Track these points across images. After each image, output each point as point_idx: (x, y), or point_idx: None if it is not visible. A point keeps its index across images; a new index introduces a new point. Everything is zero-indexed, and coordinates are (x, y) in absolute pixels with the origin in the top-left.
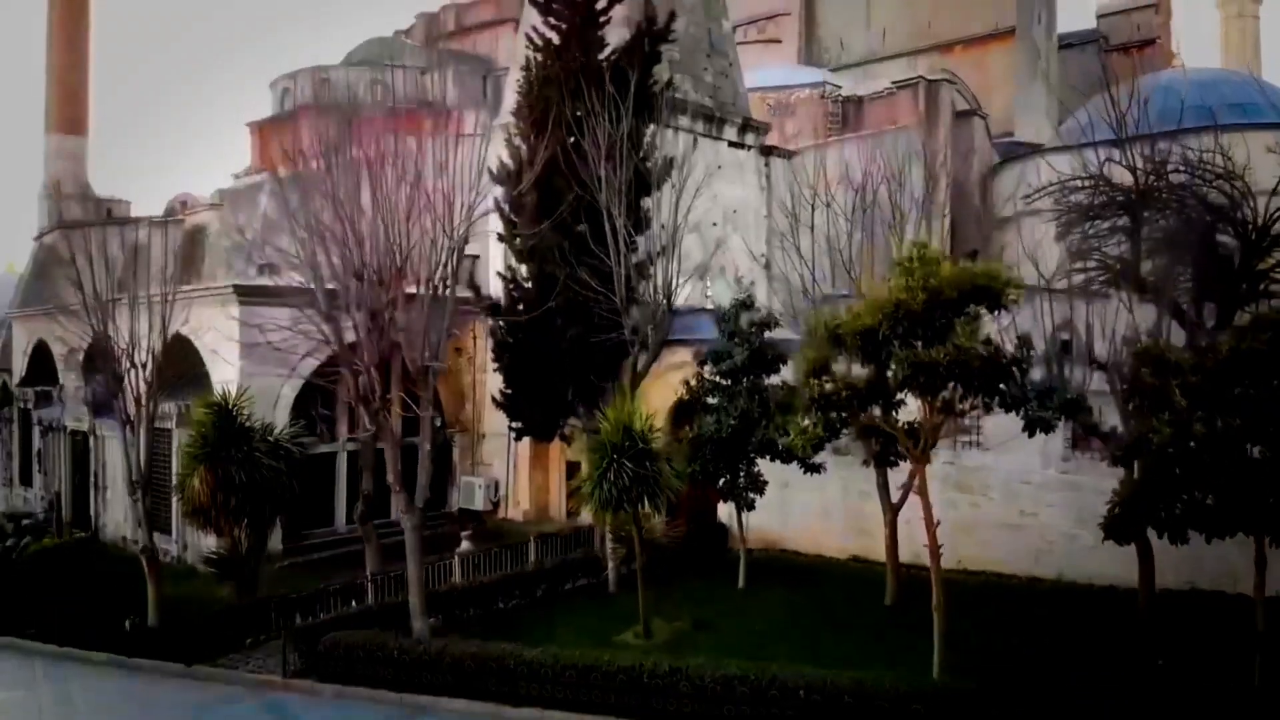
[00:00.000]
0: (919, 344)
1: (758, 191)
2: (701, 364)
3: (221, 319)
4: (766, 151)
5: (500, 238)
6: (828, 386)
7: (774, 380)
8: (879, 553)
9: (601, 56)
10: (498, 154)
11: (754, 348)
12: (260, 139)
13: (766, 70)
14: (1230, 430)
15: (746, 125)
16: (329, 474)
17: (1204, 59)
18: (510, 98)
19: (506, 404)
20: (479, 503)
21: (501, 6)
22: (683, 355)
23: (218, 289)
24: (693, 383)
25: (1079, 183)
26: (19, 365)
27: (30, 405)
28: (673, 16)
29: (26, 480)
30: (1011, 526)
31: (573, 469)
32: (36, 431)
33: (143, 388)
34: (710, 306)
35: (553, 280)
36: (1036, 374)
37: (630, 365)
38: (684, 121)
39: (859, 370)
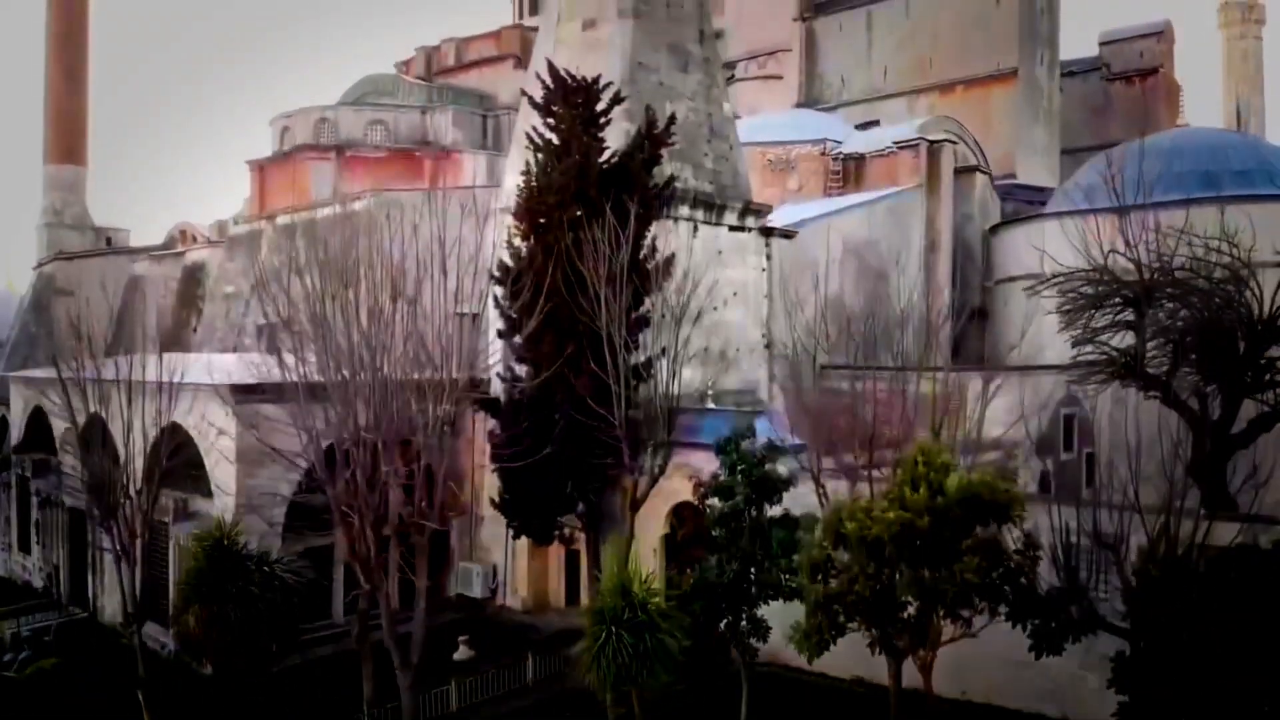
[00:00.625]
0: (925, 570)
1: (759, 272)
2: (702, 498)
3: (218, 413)
4: (767, 232)
5: (500, 334)
6: (833, 585)
7: (776, 510)
8: (882, 676)
9: (602, 159)
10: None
11: (755, 480)
12: (260, 176)
13: (768, 119)
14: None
15: (747, 209)
16: (326, 564)
17: (1205, 81)
18: (510, 180)
19: (504, 507)
20: (477, 590)
21: (502, 42)
22: (684, 455)
23: (214, 385)
24: (695, 499)
25: (1082, 275)
26: (17, 428)
27: (28, 474)
28: (672, 120)
29: (25, 546)
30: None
31: (572, 556)
32: (35, 501)
33: (138, 521)
34: (712, 405)
35: (552, 387)
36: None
37: (629, 492)
38: (684, 211)
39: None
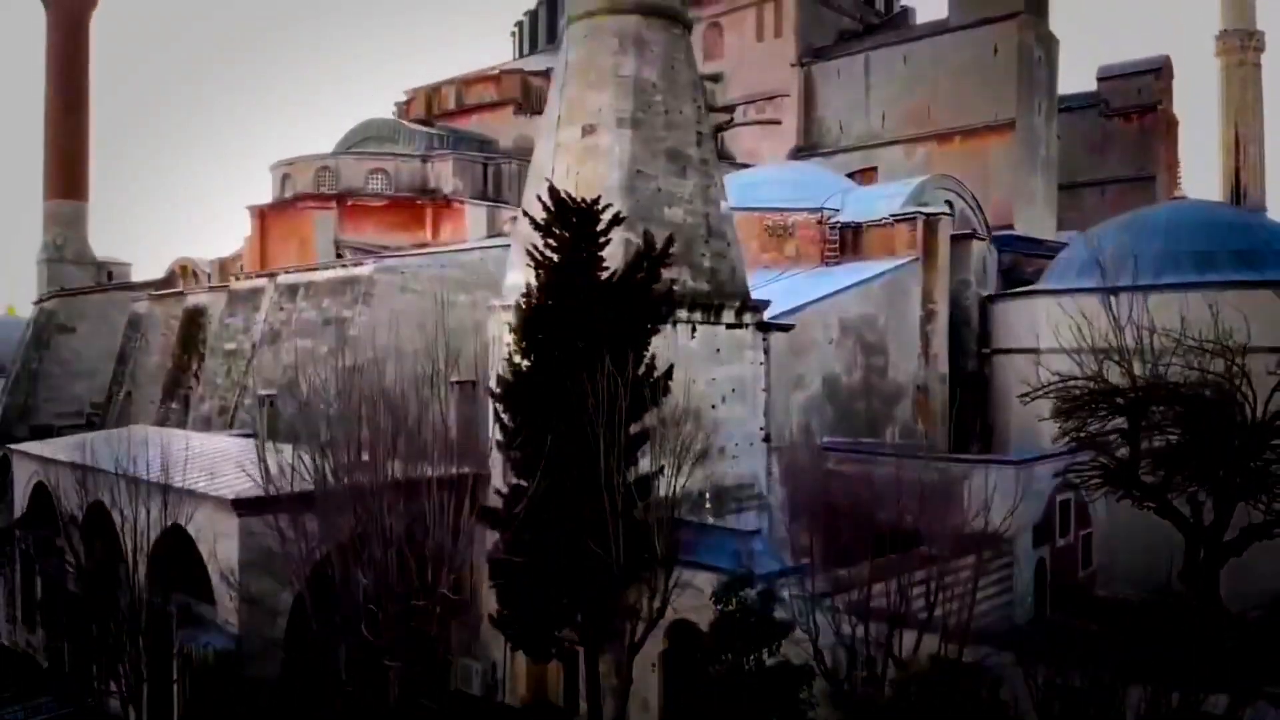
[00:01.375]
0: None
1: (757, 365)
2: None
3: (221, 521)
4: (764, 327)
5: (498, 445)
6: None
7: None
8: None
9: (602, 277)
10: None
11: (751, 625)
12: (260, 222)
13: (766, 174)
14: None
15: (744, 305)
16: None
17: (1203, 107)
18: (511, 277)
19: (501, 622)
20: (476, 688)
21: (502, 88)
22: (685, 574)
23: (216, 495)
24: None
25: (1076, 381)
26: (20, 500)
27: (31, 551)
28: (671, 240)
29: (30, 622)
30: None
31: (572, 656)
32: (39, 581)
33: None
34: (711, 515)
35: (549, 502)
36: None
37: (629, 644)
38: (683, 314)
39: None
